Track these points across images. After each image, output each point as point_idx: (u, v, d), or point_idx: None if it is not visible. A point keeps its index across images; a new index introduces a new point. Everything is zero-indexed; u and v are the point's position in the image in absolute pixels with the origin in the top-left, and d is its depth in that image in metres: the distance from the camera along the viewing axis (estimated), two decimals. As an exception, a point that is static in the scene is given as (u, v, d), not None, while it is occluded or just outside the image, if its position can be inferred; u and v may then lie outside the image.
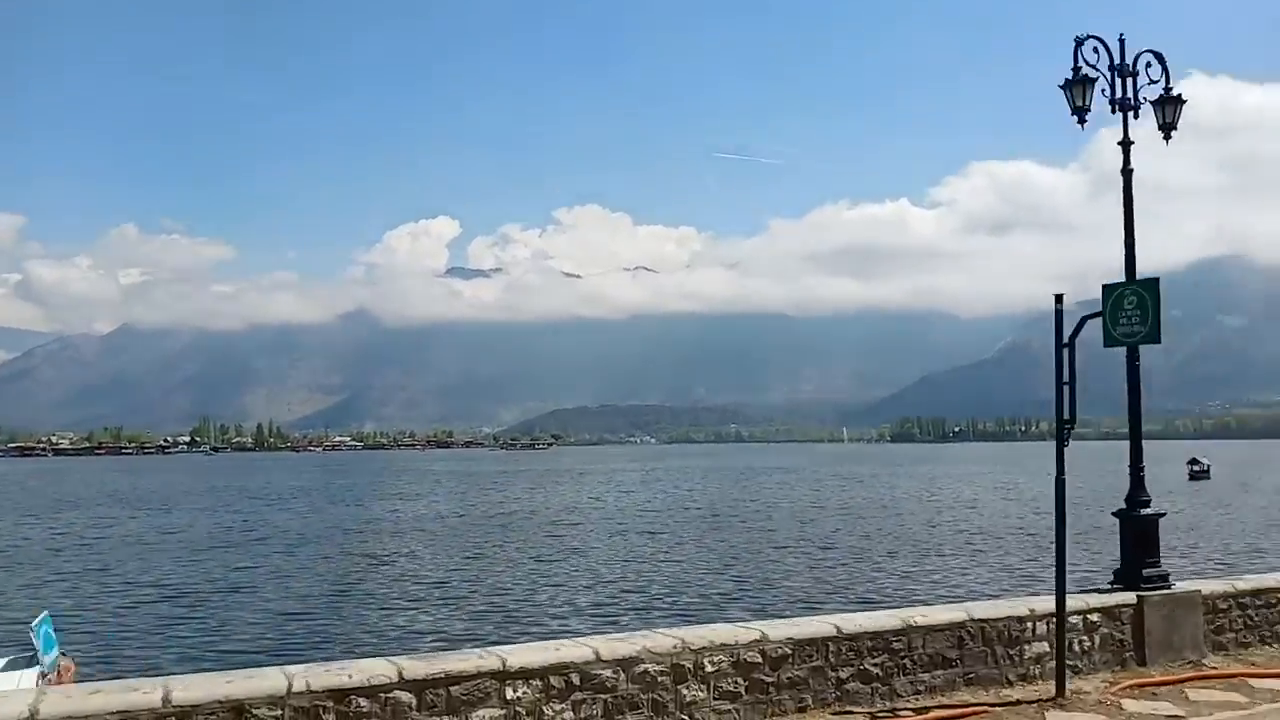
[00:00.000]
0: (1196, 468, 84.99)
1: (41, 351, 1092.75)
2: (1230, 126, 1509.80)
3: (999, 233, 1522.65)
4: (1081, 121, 9.58)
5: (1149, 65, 9.90)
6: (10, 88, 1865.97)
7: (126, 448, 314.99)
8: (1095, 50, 9.63)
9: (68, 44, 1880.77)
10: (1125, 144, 9.89)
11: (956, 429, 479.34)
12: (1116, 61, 9.76)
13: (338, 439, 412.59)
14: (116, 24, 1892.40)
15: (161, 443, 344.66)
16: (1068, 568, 7.93)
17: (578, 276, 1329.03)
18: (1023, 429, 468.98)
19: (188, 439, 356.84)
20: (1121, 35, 9.86)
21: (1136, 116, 9.90)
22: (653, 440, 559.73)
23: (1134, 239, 10.01)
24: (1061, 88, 9.60)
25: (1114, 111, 9.82)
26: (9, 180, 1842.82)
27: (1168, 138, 10.05)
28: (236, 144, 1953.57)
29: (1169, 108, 9.92)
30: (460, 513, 52.54)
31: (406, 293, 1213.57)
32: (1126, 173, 9.95)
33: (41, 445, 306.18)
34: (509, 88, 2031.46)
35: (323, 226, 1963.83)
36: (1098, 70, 9.63)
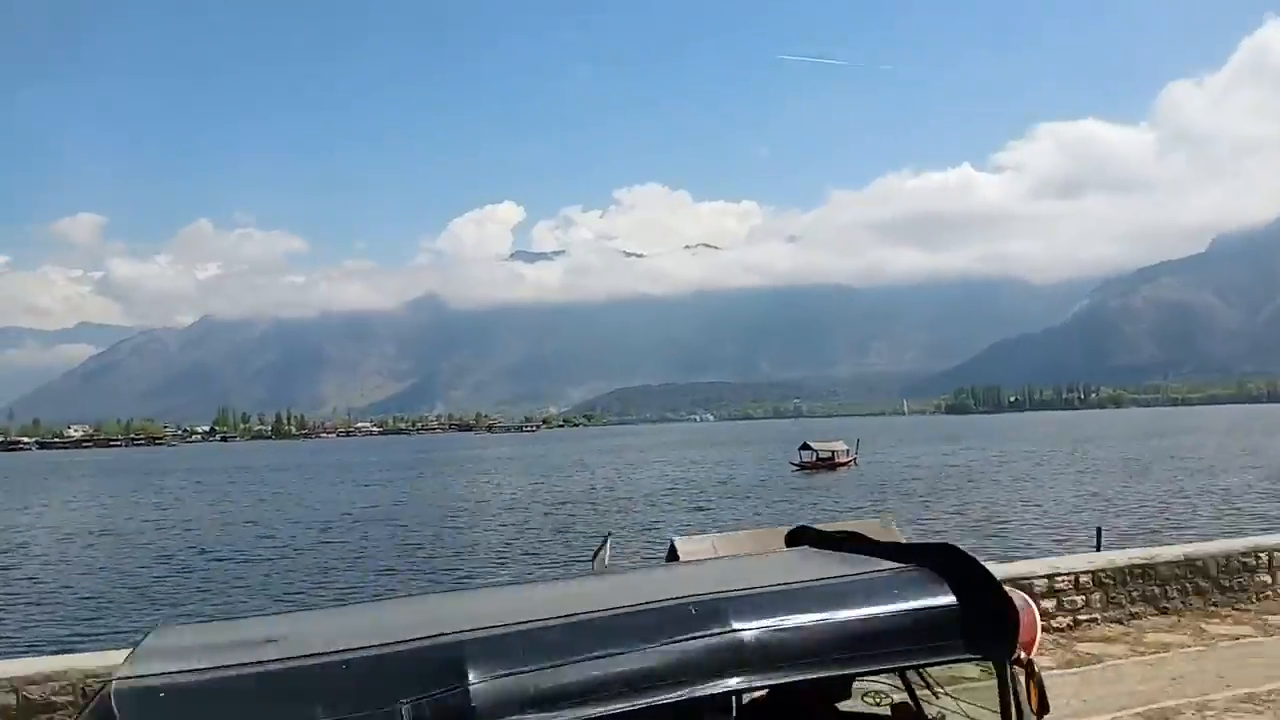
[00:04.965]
0: (816, 455, 67.08)
1: (126, 346, 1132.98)
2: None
3: (1069, 195, 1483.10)
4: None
5: None
6: (89, 87, 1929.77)
7: (116, 440, 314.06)
8: None
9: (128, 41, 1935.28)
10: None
11: (1013, 398, 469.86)
12: None
13: (358, 425, 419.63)
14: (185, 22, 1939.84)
15: (177, 433, 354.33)
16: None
17: (640, 255, 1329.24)
18: (1080, 397, 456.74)
19: (207, 428, 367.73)
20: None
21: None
22: (711, 418, 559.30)
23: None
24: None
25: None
26: (91, 181, 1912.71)
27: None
28: (303, 134, 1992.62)
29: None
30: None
31: (473, 278, 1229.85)
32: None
33: (25, 442, 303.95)
34: (567, 70, 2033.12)
35: (390, 217, 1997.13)
36: None
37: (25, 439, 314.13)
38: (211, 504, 54.87)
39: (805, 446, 68.46)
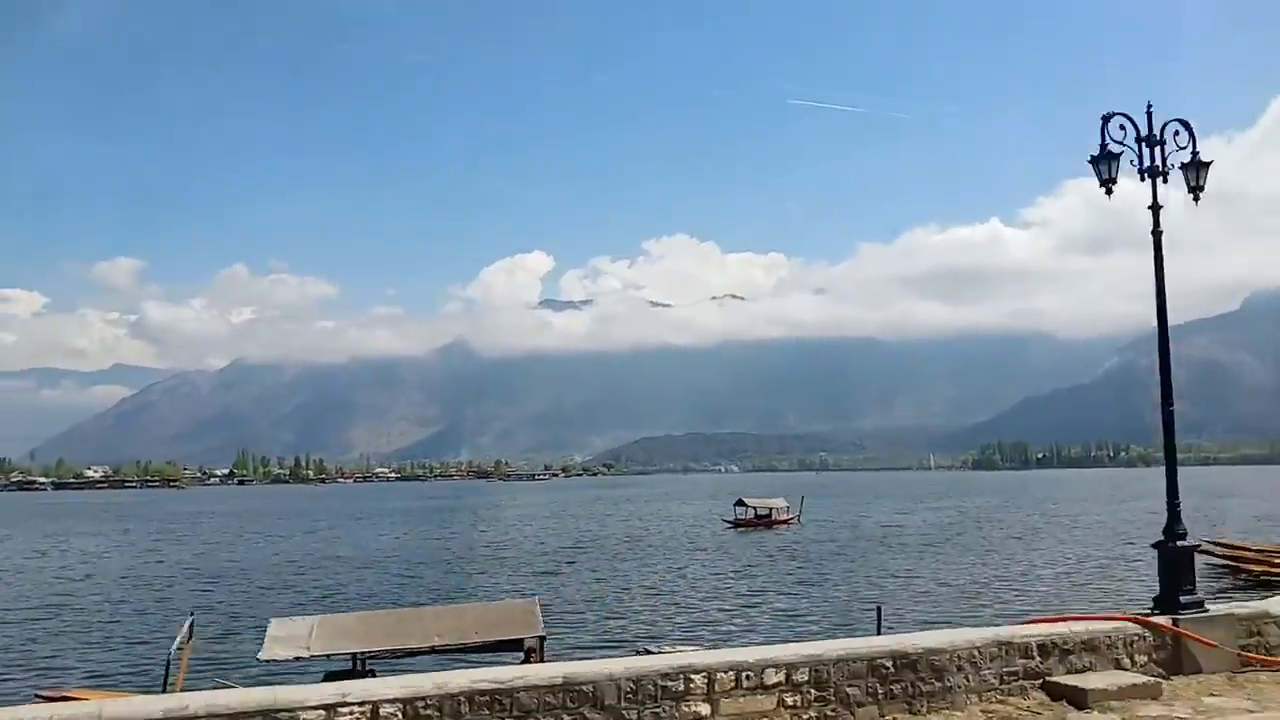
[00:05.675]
0: (754, 512, 64.62)
1: (159, 388, 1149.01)
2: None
3: (1097, 251, 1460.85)
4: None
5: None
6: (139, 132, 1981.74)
7: (131, 481, 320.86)
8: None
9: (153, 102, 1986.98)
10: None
11: (1040, 455, 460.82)
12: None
13: (376, 470, 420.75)
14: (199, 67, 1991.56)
15: (196, 475, 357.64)
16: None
17: (667, 305, 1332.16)
18: (1110, 454, 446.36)
19: (226, 472, 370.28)
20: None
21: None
22: (736, 469, 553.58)
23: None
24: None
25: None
26: (132, 225, 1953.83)
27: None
28: (340, 182, 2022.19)
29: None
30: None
31: (501, 325, 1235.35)
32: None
33: (41, 482, 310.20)
34: (599, 122, 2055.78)
35: (423, 264, 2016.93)
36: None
37: (42, 479, 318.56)
38: (89, 552, 53.59)
39: (740, 503, 65.84)
